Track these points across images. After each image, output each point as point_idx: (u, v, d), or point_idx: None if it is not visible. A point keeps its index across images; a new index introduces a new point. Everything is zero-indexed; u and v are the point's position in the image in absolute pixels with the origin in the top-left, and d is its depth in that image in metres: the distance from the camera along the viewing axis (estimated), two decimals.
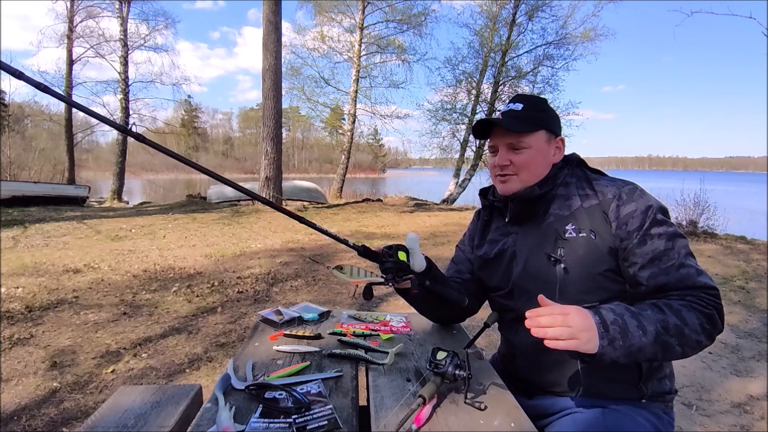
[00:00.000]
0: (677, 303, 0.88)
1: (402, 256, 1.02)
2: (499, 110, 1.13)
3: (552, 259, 1.01)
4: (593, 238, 0.98)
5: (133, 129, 0.85)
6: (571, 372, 1.00)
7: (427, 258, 1.09)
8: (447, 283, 1.17)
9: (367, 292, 1.04)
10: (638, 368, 0.99)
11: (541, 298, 0.84)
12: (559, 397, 1.04)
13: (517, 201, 1.09)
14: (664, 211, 0.98)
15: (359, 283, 1.04)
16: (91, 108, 0.93)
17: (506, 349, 1.20)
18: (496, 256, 1.15)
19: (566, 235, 1.01)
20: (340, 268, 1.05)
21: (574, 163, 1.11)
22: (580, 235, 1.00)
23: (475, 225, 1.29)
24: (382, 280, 1.02)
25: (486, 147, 1.19)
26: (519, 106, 1.07)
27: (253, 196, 1.01)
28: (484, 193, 1.25)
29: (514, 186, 1.08)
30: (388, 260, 1.00)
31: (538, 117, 1.07)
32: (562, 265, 1.00)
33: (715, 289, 0.91)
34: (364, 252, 1.01)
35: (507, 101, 1.14)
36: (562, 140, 1.11)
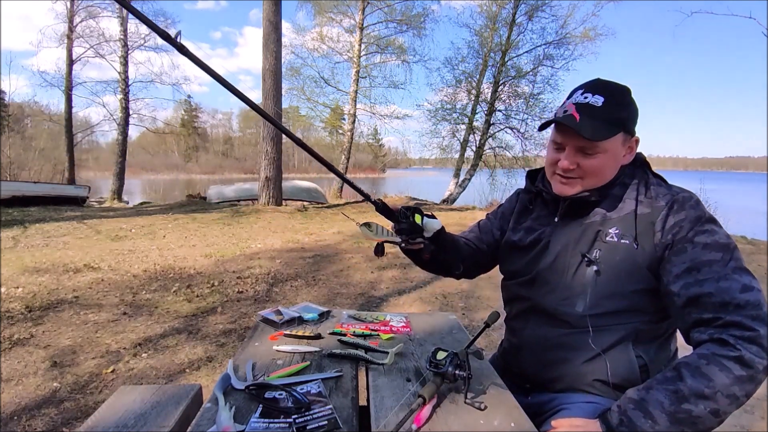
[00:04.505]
0: (696, 357, 0.79)
1: (418, 219, 1.04)
2: (573, 101, 0.97)
3: (586, 259, 0.96)
4: (635, 247, 0.92)
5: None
6: (574, 369, 0.99)
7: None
8: (454, 248, 1.18)
9: (379, 249, 1.06)
10: (642, 368, 0.96)
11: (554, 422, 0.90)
12: (557, 393, 1.03)
13: (570, 202, 1.02)
14: (714, 221, 0.90)
15: (379, 241, 1.05)
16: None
17: (512, 341, 1.15)
18: (530, 243, 1.09)
19: (607, 238, 0.95)
20: (368, 225, 1.05)
21: (638, 163, 1.03)
22: (622, 241, 0.93)
23: (512, 205, 1.23)
24: (398, 240, 1.04)
25: (549, 139, 1.04)
26: (599, 100, 0.94)
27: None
28: (532, 176, 1.16)
29: (574, 189, 1.00)
30: (404, 221, 1.02)
31: (619, 117, 0.95)
32: (595, 267, 0.95)
33: (759, 308, 0.79)
34: (383, 207, 1.01)
35: (582, 91, 0.97)
36: (637, 140, 1.01)
